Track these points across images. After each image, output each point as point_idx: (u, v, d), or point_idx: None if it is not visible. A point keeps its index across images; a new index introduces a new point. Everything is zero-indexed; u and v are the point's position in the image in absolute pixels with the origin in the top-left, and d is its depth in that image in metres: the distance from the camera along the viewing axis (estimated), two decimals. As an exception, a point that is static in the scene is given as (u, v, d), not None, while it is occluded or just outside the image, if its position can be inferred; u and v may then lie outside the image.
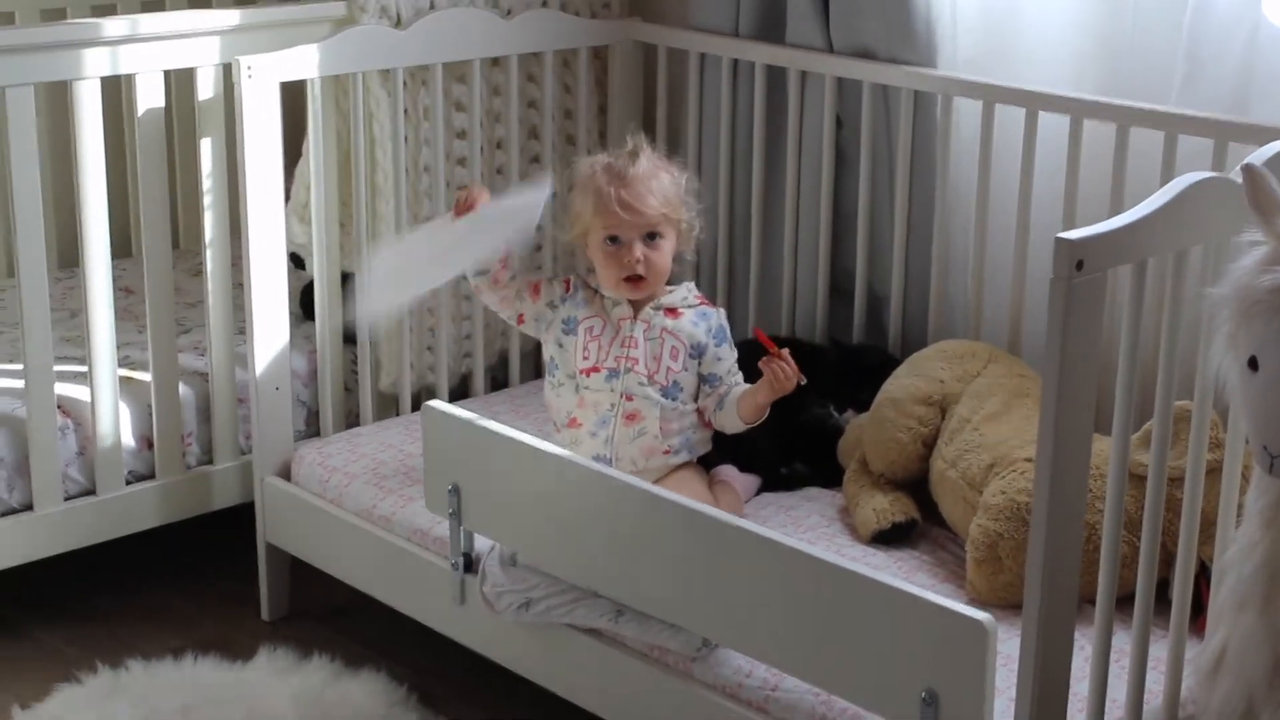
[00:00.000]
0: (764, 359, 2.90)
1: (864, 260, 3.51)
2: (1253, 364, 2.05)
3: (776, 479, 3.25)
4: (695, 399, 3.03)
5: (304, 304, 3.75)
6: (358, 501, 3.28)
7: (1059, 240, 2.05)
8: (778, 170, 3.66)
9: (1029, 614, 2.16)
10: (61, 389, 3.34)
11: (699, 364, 3.02)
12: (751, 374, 2.99)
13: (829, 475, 3.25)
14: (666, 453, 2.99)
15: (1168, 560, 2.52)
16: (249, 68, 3.24)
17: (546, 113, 3.78)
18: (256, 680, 3.21)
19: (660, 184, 2.98)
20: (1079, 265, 2.05)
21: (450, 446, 2.93)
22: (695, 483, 3.00)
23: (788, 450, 3.29)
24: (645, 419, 2.97)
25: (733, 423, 3.01)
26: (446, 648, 3.16)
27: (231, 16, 3.37)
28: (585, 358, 3.00)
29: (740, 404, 2.98)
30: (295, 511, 3.41)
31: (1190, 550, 2.33)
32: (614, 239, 2.98)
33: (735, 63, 3.68)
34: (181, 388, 3.47)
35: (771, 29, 3.62)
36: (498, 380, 3.90)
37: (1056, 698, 2.21)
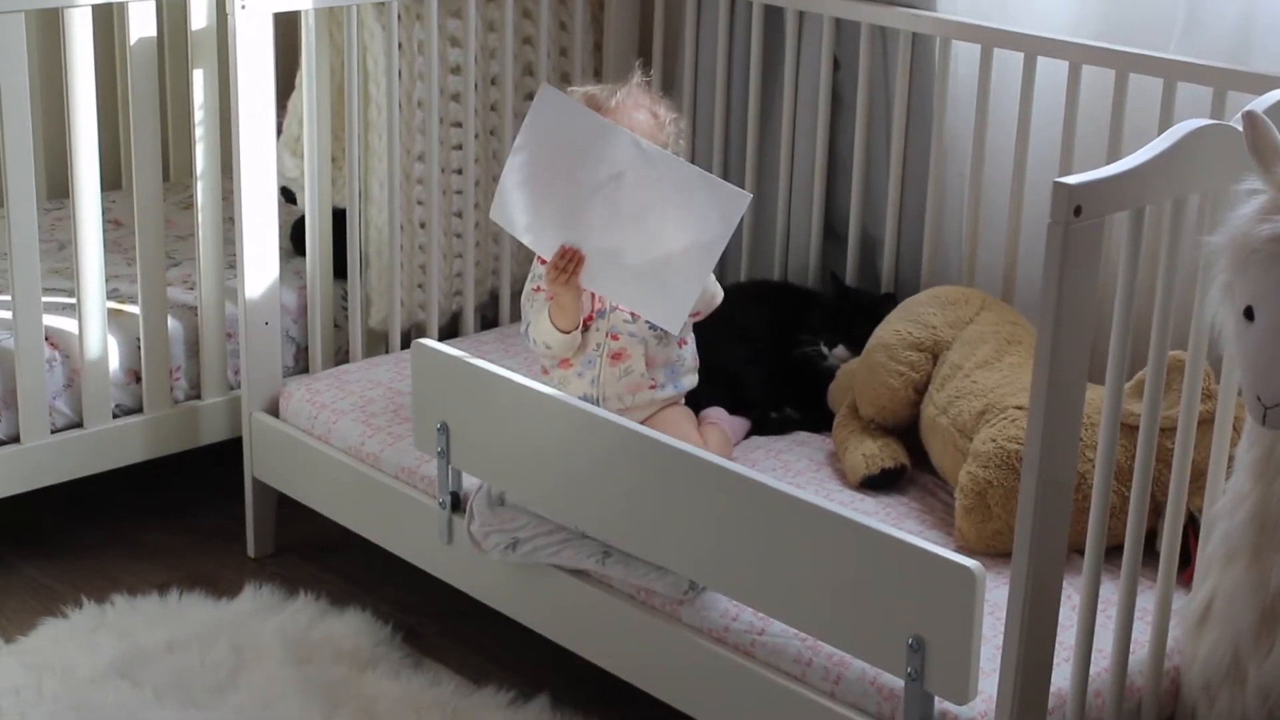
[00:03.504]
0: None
1: (858, 203, 3.49)
2: (1249, 314, 2.03)
3: (766, 423, 3.24)
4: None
5: (295, 239, 3.72)
6: (345, 439, 3.27)
7: (1057, 185, 2.03)
8: (773, 111, 3.63)
9: (1018, 562, 2.16)
10: (49, 321, 3.32)
11: None
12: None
13: (818, 420, 3.24)
14: (652, 386, 2.96)
15: (1157, 511, 2.51)
16: (242, -2, 3.21)
17: (542, 49, 3.75)
18: (242, 617, 3.21)
19: (634, 121, 2.89)
20: (1077, 211, 2.03)
21: (439, 384, 2.91)
22: (684, 424, 2.98)
23: (778, 394, 3.27)
24: (631, 357, 2.94)
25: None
26: (432, 586, 3.16)
27: (225, -54, 3.33)
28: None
29: None
30: (283, 448, 3.40)
31: (1180, 501, 2.32)
32: None
33: (733, 1, 3.64)
34: (170, 321, 3.45)
35: (770, -32, 3.60)
36: (488, 319, 3.88)
37: (1043, 647, 2.21)
